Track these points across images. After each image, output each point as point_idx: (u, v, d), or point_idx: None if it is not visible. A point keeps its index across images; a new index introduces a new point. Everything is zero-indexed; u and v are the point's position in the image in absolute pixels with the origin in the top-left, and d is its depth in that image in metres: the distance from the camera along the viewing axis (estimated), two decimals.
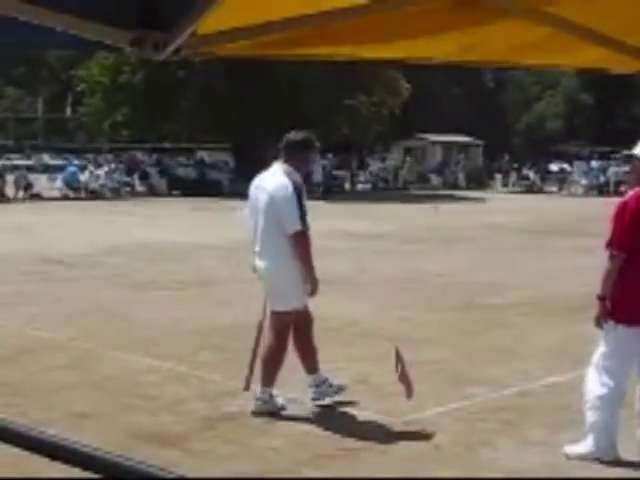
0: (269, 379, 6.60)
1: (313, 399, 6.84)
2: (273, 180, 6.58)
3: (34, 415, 6.33)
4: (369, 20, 2.53)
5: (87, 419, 6.44)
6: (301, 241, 6.47)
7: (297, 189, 6.48)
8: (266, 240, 6.59)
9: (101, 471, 1.54)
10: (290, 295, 6.62)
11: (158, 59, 2.43)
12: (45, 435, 1.66)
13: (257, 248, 6.69)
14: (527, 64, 3.31)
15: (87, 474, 1.56)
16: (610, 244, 5.61)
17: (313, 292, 6.60)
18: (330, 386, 6.87)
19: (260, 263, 6.68)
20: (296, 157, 6.67)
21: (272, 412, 6.55)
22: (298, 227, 6.41)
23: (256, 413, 6.54)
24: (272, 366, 6.61)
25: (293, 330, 6.76)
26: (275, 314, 6.67)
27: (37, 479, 4.86)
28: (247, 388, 6.74)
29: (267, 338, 6.71)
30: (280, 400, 6.66)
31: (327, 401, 6.85)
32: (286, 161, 6.65)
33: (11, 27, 2.20)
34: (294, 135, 6.80)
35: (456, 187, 47.41)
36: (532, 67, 3.47)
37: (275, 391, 6.66)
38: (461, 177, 49.80)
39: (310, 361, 6.86)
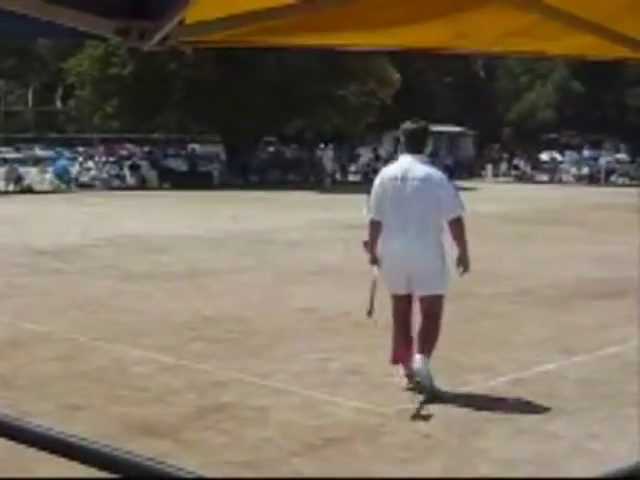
0: (430, 353, 6.74)
1: (418, 382, 6.75)
2: (422, 169, 6.73)
3: (25, 407, 6.30)
4: (355, 8, 2.52)
5: (78, 411, 6.42)
6: (461, 225, 6.70)
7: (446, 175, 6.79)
8: (422, 226, 6.69)
9: (118, 470, 1.52)
10: (446, 278, 6.79)
11: (144, 48, 2.41)
12: (64, 435, 1.63)
13: (409, 235, 6.71)
14: (516, 52, 3.31)
15: (102, 474, 1.56)
16: None
17: (466, 270, 6.79)
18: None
19: (415, 249, 6.69)
20: (424, 145, 6.91)
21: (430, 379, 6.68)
22: (460, 212, 6.66)
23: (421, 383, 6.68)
24: (433, 344, 6.76)
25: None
26: (434, 298, 6.77)
27: (37, 479, 4.86)
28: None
29: (423, 322, 6.80)
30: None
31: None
32: (418, 151, 6.81)
33: None
34: (417, 124, 6.97)
35: None
36: (521, 55, 3.44)
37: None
38: None
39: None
